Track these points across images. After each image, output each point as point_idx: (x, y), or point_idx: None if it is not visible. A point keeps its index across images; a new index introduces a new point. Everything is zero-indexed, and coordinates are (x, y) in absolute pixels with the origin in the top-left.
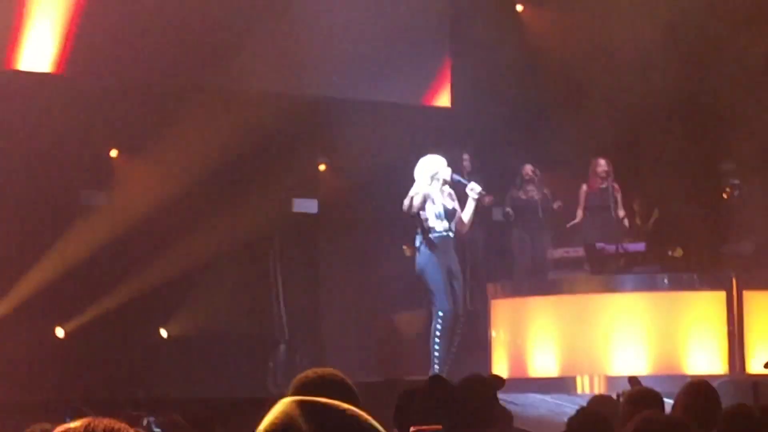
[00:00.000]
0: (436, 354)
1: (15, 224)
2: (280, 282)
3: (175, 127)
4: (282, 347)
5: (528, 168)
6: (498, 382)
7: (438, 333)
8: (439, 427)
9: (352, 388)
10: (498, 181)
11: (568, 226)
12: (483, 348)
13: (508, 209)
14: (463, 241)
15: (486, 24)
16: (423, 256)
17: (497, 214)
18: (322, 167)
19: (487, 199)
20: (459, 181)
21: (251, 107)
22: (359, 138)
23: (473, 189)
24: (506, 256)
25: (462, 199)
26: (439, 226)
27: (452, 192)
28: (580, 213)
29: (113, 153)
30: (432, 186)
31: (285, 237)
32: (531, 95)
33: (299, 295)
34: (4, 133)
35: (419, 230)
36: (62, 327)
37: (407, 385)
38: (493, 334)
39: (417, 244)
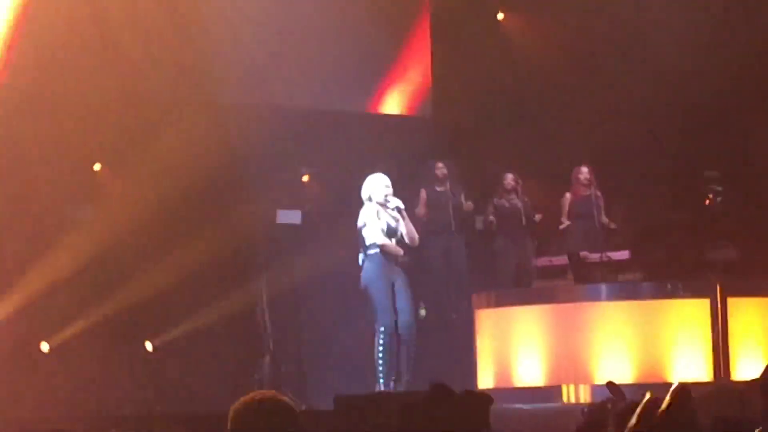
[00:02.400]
0: (380, 369)
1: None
2: (264, 293)
3: (157, 140)
4: (267, 359)
5: (509, 176)
6: (488, 399)
7: (380, 348)
8: None
9: (292, 411)
10: (480, 189)
11: (560, 228)
12: (467, 358)
13: (491, 218)
14: (447, 248)
15: (467, 32)
16: (366, 272)
17: (479, 223)
18: (305, 178)
19: (467, 205)
20: (384, 205)
21: (233, 119)
22: (343, 148)
23: (394, 205)
24: (489, 265)
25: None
26: (381, 241)
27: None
28: (565, 220)
29: (96, 167)
30: (371, 205)
31: (269, 248)
32: (512, 103)
33: (283, 306)
34: None
35: (361, 248)
36: (47, 341)
37: (401, 397)
38: (478, 344)
39: (360, 261)
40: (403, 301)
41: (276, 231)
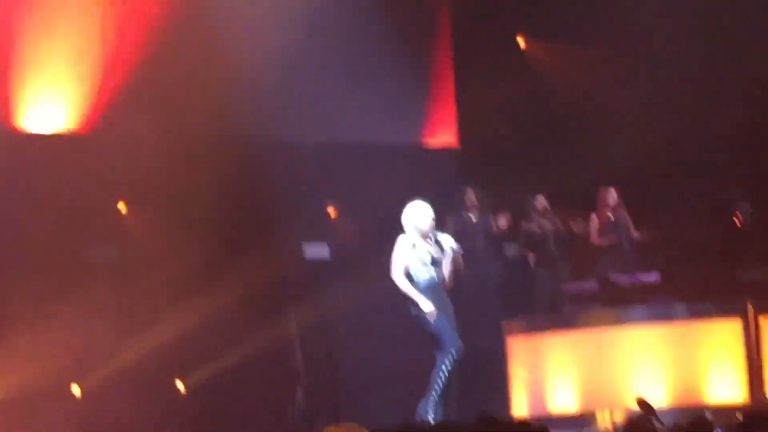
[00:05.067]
0: (438, 394)
1: (26, 281)
2: (295, 329)
3: (182, 177)
4: (299, 392)
5: (541, 200)
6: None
7: (445, 374)
8: None
9: None
10: (511, 215)
11: (596, 242)
12: (499, 386)
13: (525, 249)
14: (478, 275)
15: (490, 61)
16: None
17: (510, 249)
18: (332, 212)
19: (503, 221)
20: (434, 238)
21: (258, 154)
22: (368, 180)
23: (446, 244)
24: (521, 291)
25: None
26: (426, 273)
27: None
28: (596, 239)
29: (121, 206)
30: (413, 235)
31: (298, 283)
32: (539, 130)
33: (315, 341)
34: (13, 193)
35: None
36: (77, 384)
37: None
38: (511, 371)
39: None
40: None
41: (305, 265)
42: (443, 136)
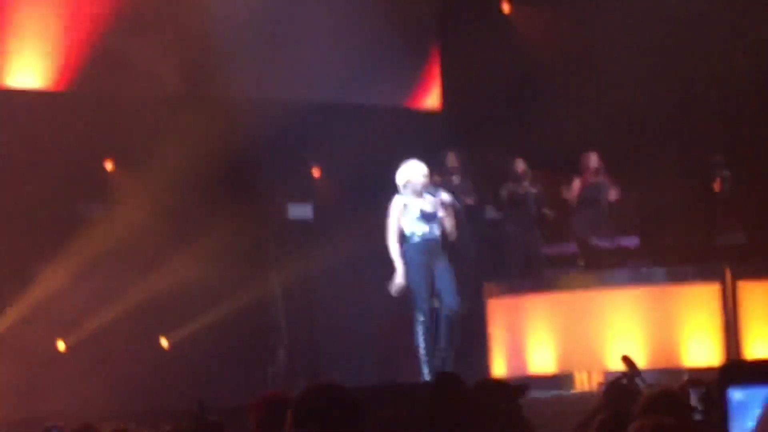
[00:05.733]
0: (423, 356)
1: (12, 238)
2: (277, 288)
3: (166, 137)
4: (281, 353)
5: (520, 163)
6: (519, 389)
7: (421, 335)
8: None
9: (356, 404)
10: (488, 181)
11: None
12: (479, 347)
13: (504, 212)
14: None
15: (473, 23)
16: (406, 259)
17: (489, 212)
18: (315, 172)
19: (469, 200)
20: (429, 194)
21: (242, 114)
22: (351, 142)
23: (439, 197)
24: (498, 253)
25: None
26: (419, 229)
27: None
28: (576, 202)
29: (108, 165)
30: (406, 193)
31: (281, 243)
32: (520, 92)
33: (297, 300)
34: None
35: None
36: (62, 340)
37: (408, 389)
38: (491, 332)
39: (401, 251)
40: (444, 282)
41: (287, 225)
42: (427, 98)
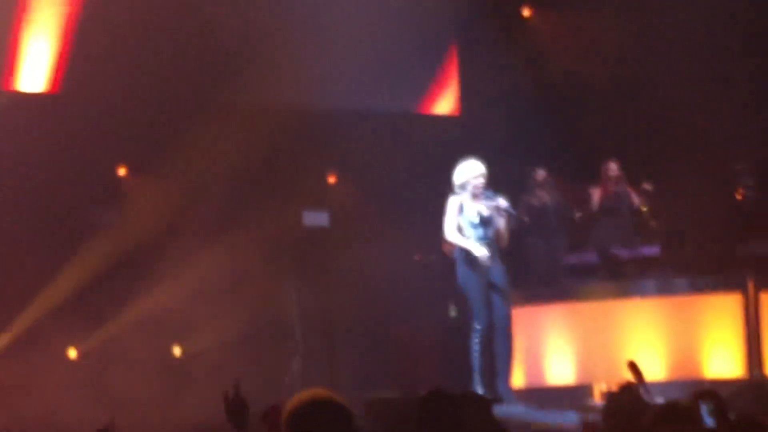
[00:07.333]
0: (476, 368)
1: (26, 244)
2: (293, 295)
3: (184, 144)
4: (297, 360)
5: (540, 172)
6: (488, 401)
7: (476, 348)
8: None
9: (348, 411)
10: (510, 188)
11: (577, 215)
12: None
13: (525, 218)
14: None
15: (493, 30)
16: (460, 268)
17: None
18: (331, 179)
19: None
20: (486, 198)
21: (258, 121)
22: (368, 148)
23: (495, 203)
24: (519, 262)
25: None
26: (473, 234)
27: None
28: (597, 211)
29: (122, 171)
30: (463, 194)
31: (297, 250)
32: (540, 99)
33: (313, 307)
34: (12, 154)
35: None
36: (75, 347)
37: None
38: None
39: (456, 255)
40: (497, 300)
41: (303, 233)
42: (445, 104)
